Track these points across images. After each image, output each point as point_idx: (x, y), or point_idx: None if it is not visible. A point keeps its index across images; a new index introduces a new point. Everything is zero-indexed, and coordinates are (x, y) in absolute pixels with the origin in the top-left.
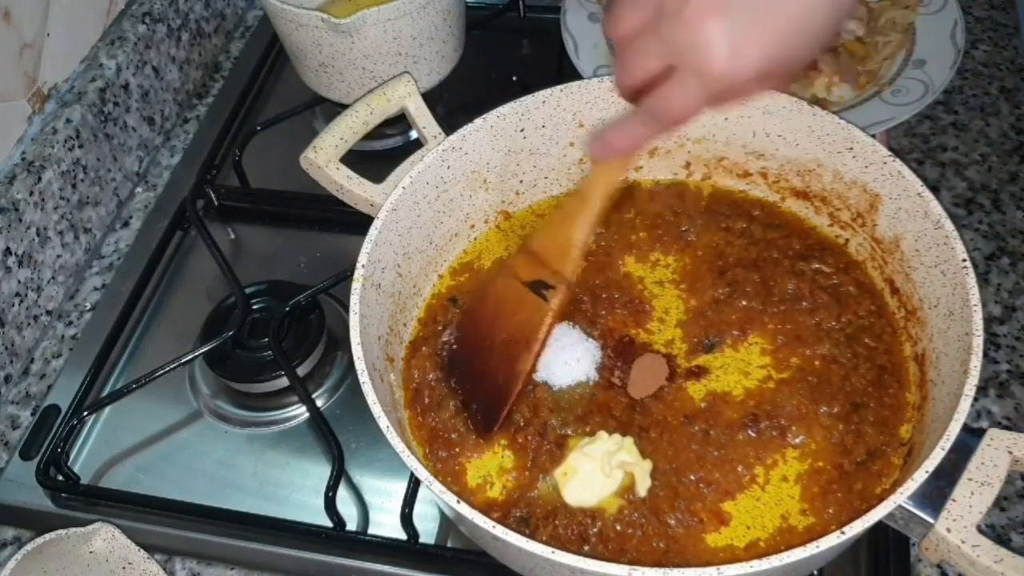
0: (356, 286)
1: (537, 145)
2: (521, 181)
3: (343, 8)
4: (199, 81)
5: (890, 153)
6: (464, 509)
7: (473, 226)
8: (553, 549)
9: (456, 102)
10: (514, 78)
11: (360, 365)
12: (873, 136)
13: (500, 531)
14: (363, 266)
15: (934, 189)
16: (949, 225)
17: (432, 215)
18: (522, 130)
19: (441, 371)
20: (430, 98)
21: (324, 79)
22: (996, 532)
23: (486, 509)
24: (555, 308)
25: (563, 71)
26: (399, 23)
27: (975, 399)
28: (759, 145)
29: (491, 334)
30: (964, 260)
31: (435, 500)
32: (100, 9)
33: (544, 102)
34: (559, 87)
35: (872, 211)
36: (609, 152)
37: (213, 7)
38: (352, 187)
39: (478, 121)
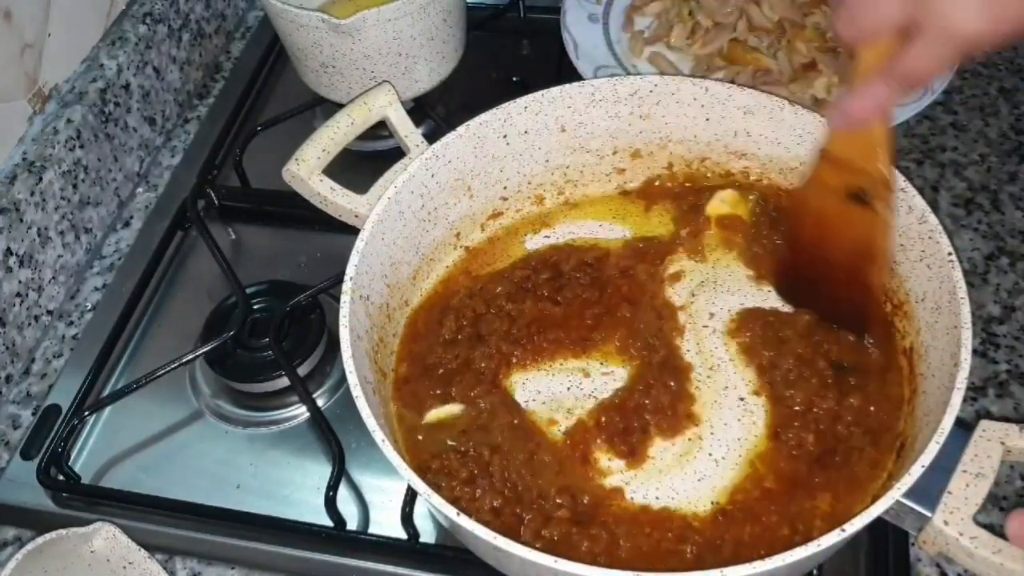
0: (345, 299)
1: (521, 151)
2: (505, 187)
3: (344, 8)
4: (200, 81)
5: None
6: (463, 520)
7: (459, 235)
8: (556, 558)
9: (456, 102)
10: (514, 78)
11: (352, 379)
12: None
13: (502, 542)
14: (351, 279)
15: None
16: (933, 219)
17: (417, 224)
18: (505, 136)
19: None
20: (430, 98)
21: (325, 79)
22: (996, 532)
23: None
24: (889, 214)
25: (563, 71)
26: (400, 23)
27: (974, 399)
28: (741, 144)
29: (823, 253)
30: (950, 254)
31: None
32: (101, 10)
33: (526, 108)
34: (540, 92)
35: None
36: (848, 122)
37: (214, 8)
38: (336, 199)
39: (461, 129)
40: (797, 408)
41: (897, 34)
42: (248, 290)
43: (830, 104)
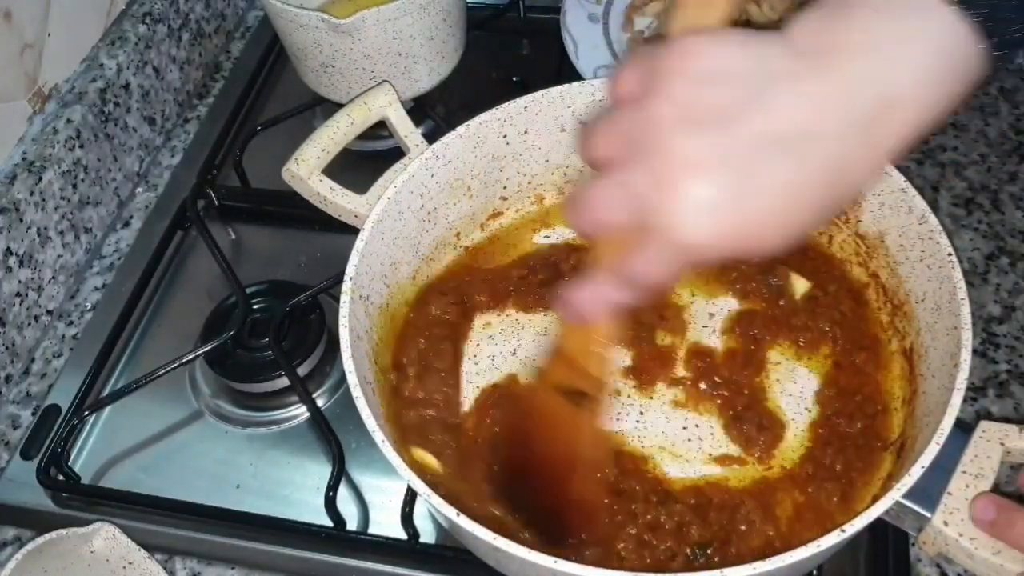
0: (345, 299)
1: (520, 151)
2: (505, 187)
3: (343, 8)
4: (200, 81)
5: None
6: (463, 521)
7: (459, 234)
8: (555, 559)
9: (456, 102)
10: (514, 78)
11: (352, 379)
12: None
13: (502, 542)
14: (351, 279)
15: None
16: (934, 220)
17: (417, 224)
18: (504, 136)
19: (490, 485)
20: (430, 98)
21: (324, 79)
22: None
23: None
24: (598, 421)
25: (563, 71)
26: (399, 23)
27: (974, 399)
28: None
29: (538, 448)
30: (950, 254)
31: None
32: (101, 9)
33: (526, 108)
34: (540, 92)
35: (855, 208)
36: (576, 318)
37: (213, 7)
38: (336, 199)
39: (460, 129)
40: None
41: (634, 232)
42: (248, 290)
43: (560, 293)
